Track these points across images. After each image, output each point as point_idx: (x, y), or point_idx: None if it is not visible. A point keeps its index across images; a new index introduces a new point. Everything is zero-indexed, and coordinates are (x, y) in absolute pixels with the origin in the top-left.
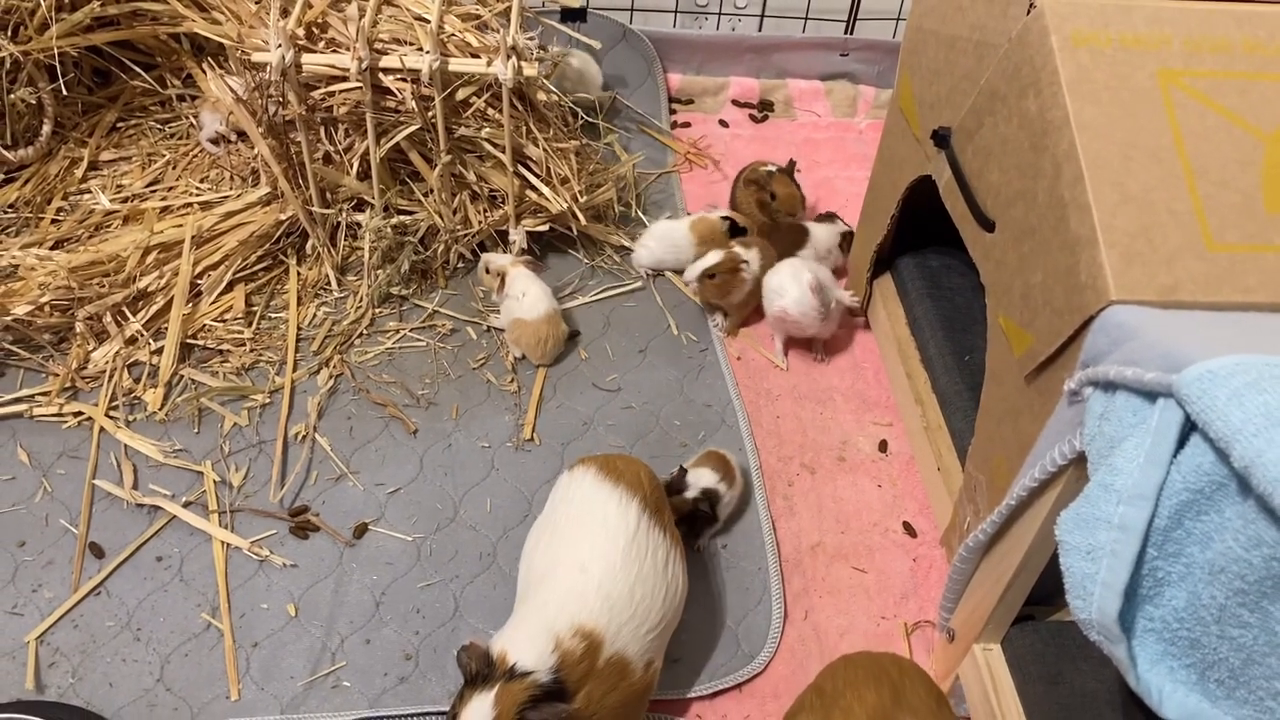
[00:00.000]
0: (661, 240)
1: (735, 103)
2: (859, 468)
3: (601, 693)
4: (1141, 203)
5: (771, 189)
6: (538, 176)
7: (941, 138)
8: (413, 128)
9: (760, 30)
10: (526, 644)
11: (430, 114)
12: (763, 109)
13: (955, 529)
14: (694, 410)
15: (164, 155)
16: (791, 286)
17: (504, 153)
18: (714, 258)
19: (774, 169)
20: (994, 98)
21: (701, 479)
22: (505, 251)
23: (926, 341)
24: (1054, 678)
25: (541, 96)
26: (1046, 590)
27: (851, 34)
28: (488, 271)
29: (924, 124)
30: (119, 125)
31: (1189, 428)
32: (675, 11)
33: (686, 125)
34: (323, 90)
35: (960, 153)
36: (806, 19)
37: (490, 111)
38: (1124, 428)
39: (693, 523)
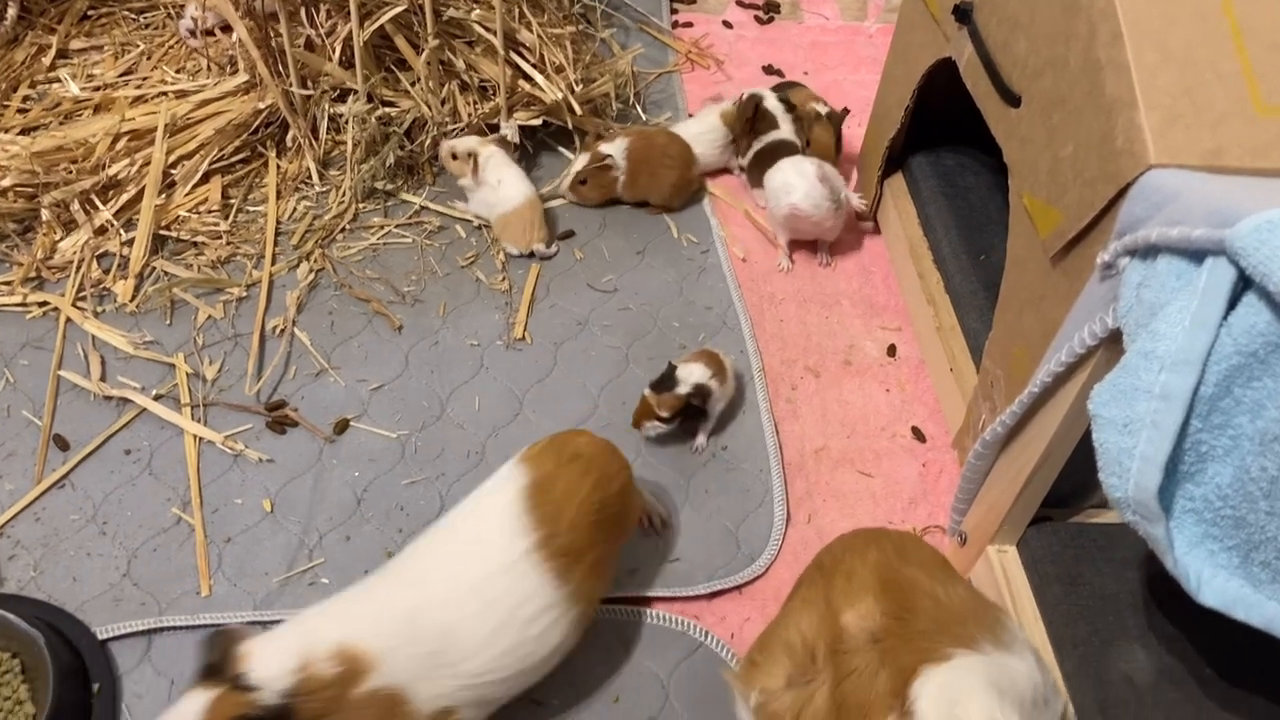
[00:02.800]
0: (699, 141)
1: (740, 3)
2: (866, 372)
3: None
4: (1184, 62)
5: (810, 134)
6: (531, 65)
7: (963, 12)
8: (399, 8)
9: None
10: (273, 654)
11: None
12: (769, 10)
13: (969, 429)
14: (694, 312)
15: (138, 46)
16: (798, 181)
17: (495, 36)
18: (579, 162)
19: (824, 111)
20: None
21: (693, 374)
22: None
23: (940, 241)
24: (1073, 580)
25: None
26: (1064, 491)
27: None
28: (454, 157)
29: (943, 2)
30: (90, 14)
31: (1241, 287)
32: None
33: (688, 25)
34: None
35: (984, 26)
36: None
37: None
38: (1166, 293)
39: (685, 417)
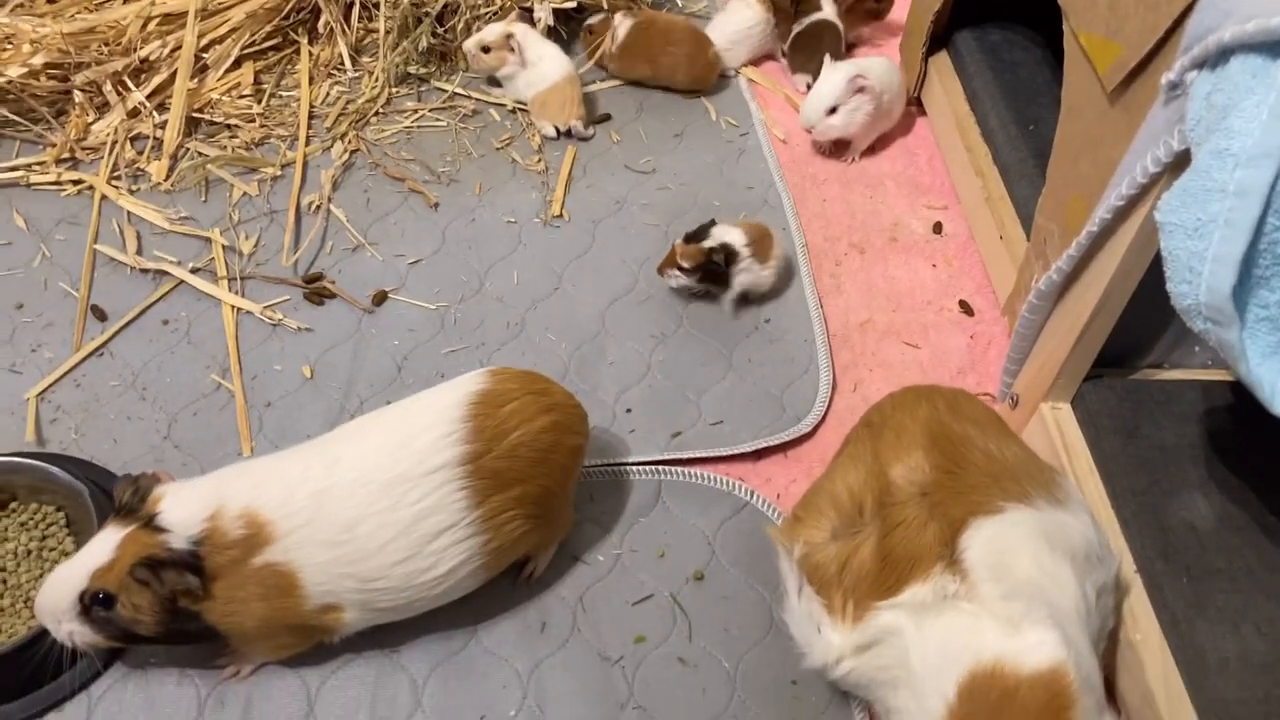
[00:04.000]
0: (741, 34)
1: None
2: (912, 248)
3: (245, 595)
4: None
5: None
6: None
7: None
8: None
9: None
10: (188, 500)
11: None
12: None
13: (1020, 293)
14: (734, 192)
15: None
16: (809, 112)
17: None
18: (594, 19)
19: None
20: None
21: (727, 235)
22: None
23: (987, 113)
24: (1130, 432)
25: None
26: (1118, 353)
27: None
28: (487, 51)
29: None
30: None
31: None
32: None
33: None
34: None
35: None
36: None
37: None
38: (1240, 92)
39: (706, 276)
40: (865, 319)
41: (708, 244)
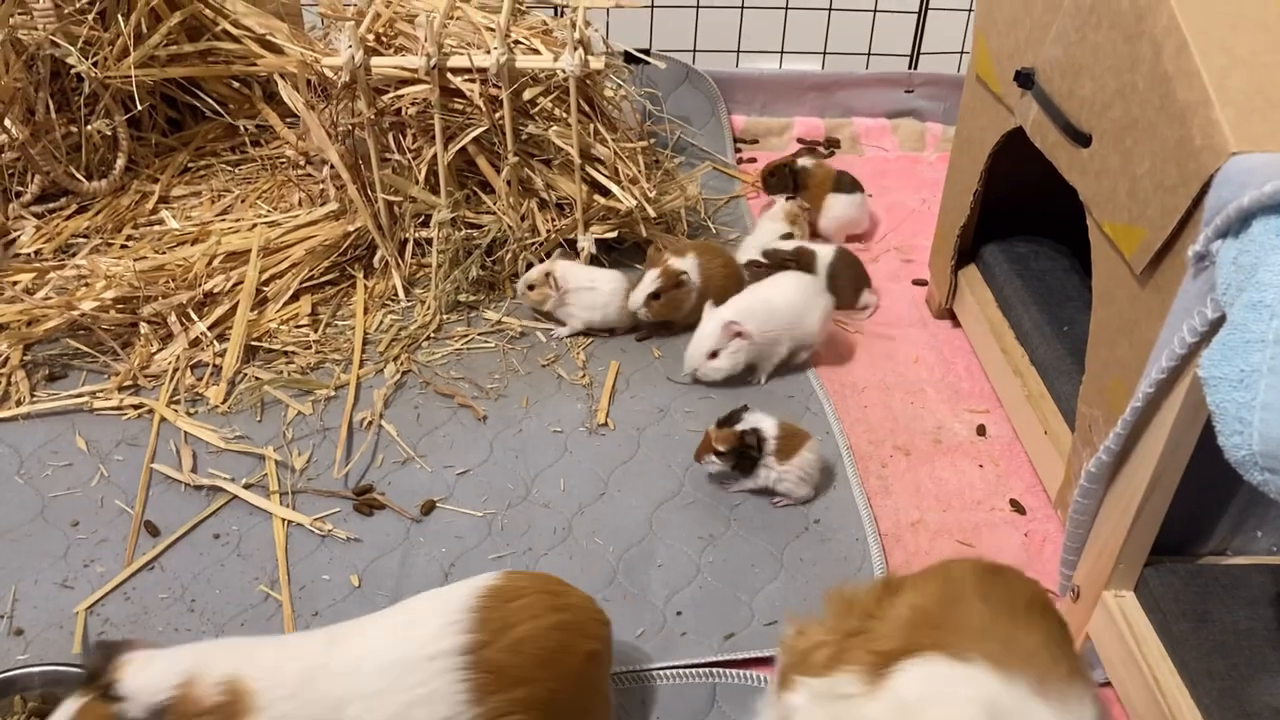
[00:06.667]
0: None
1: (801, 141)
2: (957, 450)
3: None
4: (1253, 65)
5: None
6: (605, 176)
7: (1026, 77)
8: (480, 129)
9: (823, 68)
10: (155, 668)
11: (498, 115)
12: (829, 146)
13: (1070, 484)
14: (775, 400)
15: (233, 192)
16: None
17: (571, 146)
18: (652, 280)
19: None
20: (1079, 11)
21: (759, 421)
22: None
23: (1020, 317)
24: (1200, 617)
25: (609, 93)
26: (1177, 539)
27: (916, 69)
28: (532, 289)
29: (1004, 78)
30: (190, 166)
31: None
32: (738, 51)
33: (751, 161)
34: (392, 94)
35: (1046, 83)
36: (870, 54)
37: (557, 112)
38: (1265, 250)
39: (739, 461)
40: (916, 519)
41: (740, 428)
